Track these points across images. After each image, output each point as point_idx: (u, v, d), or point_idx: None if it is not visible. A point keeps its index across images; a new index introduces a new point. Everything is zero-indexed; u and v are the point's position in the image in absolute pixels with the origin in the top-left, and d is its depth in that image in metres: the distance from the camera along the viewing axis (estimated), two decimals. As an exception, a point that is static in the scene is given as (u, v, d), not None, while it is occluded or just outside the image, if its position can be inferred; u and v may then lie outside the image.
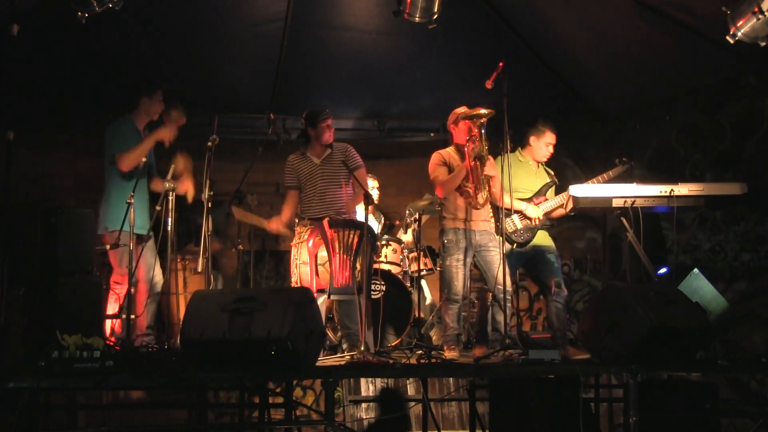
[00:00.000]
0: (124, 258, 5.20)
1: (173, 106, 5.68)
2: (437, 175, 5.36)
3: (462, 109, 5.38)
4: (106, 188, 5.50)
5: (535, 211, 5.64)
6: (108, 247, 5.24)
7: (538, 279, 5.88)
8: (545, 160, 5.88)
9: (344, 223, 5.22)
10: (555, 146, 5.89)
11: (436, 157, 5.45)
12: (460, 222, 5.31)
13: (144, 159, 5.28)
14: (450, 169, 5.36)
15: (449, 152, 5.47)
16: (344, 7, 6.24)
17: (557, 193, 5.84)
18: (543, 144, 5.79)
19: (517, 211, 5.63)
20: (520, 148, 5.88)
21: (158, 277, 5.54)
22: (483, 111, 5.15)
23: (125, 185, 5.28)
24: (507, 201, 5.47)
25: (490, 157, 5.26)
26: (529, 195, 5.76)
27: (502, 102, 5.03)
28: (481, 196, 5.23)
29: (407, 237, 6.88)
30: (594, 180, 5.77)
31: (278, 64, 6.67)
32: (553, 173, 5.92)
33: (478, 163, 5.18)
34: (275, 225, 5.69)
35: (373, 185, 6.92)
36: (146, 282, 5.42)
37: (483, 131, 5.18)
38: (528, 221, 5.65)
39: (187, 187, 5.52)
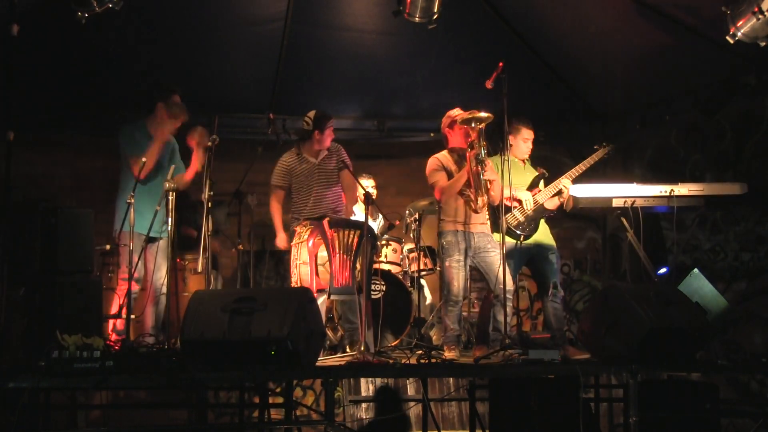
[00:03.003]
0: (132, 257, 5.21)
1: (173, 102, 5.55)
2: (436, 180, 5.35)
3: (456, 112, 5.36)
4: (120, 190, 5.51)
5: (525, 194, 5.67)
6: (108, 247, 5.25)
7: (537, 278, 5.89)
8: (526, 156, 5.87)
9: (344, 223, 5.23)
10: (538, 141, 5.90)
11: (433, 161, 5.42)
12: (460, 224, 5.31)
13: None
14: (448, 173, 5.35)
15: (445, 156, 5.44)
16: (344, 7, 6.24)
17: (549, 183, 5.83)
18: (521, 141, 5.80)
19: (516, 200, 5.63)
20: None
21: (161, 279, 5.54)
22: (482, 115, 5.12)
23: (139, 187, 5.28)
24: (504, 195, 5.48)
25: (489, 161, 5.24)
26: (523, 189, 5.78)
27: (501, 102, 5.03)
28: (482, 200, 5.23)
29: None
30: (576, 169, 5.77)
31: (278, 64, 6.67)
32: (541, 169, 5.91)
33: (479, 167, 5.16)
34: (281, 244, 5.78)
35: (368, 184, 6.92)
36: (153, 283, 5.42)
37: (481, 135, 5.15)
38: (528, 212, 5.66)
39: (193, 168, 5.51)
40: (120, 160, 5.61)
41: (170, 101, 5.56)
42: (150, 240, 5.30)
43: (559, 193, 5.70)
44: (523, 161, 5.88)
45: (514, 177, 5.72)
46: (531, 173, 5.87)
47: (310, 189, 5.65)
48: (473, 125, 5.11)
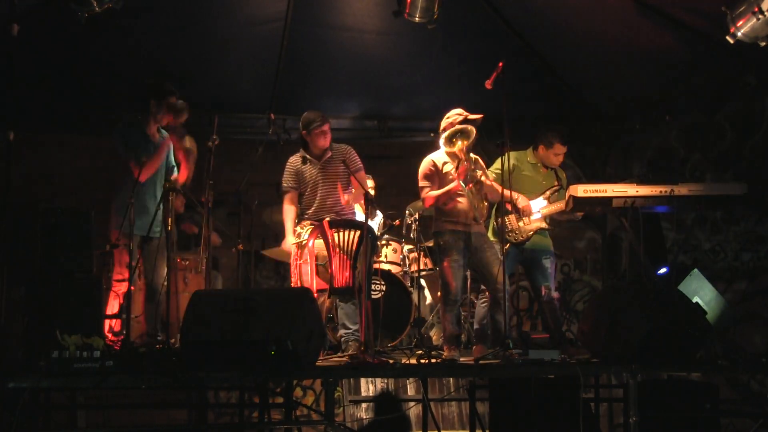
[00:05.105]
0: (128, 257, 5.20)
1: (172, 99, 5.48)
2: (424, 188, 5.31)
3: (455, 112, 5.32)
4: (116, 190, 5.46)
5: (525, 201, 5.63)
6: (108, 247, 5.25)
7: (530, 282, 5.88)
8: (555, 166, 5.85)
9: (344, 223, 5.22)
10: (566, 154, 5.86)
11: (426, 164, 5.36)
12: (460, 225, 5.29)
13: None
14: (440, 179, 5.30)
15: (441, 158, 5.38)
16: (344, 7, 6.24)
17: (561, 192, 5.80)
18: (551, 154, 5.75)
19: (513, 207, 5.61)
20: (532, 149, 5.85)
21: (161, 279, 5.52)
22: (475, 117, 5.06)
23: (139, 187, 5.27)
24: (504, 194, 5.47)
25: (479, 171, 5.22)
26: (532, 197, 5.74)
27: (501, 102, 5.02)
28: (479, 213, 5.22)
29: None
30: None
31: (278, 64, 6.67)
32: (563, 177, 5.87)
33: (471, 186, 5.14)
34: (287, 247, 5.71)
35: (368, 184, 6.90)
36: (148, 282, 5.41)
37: (468, 155, 5.12)
38: (523, 223, 5.63)
39: (184, 173, 5.50)
40: (120, 162, 5.57)
41: (166, 102, 5.48)
42: (145, 239, 5.29)
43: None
44: (546, 168, 5.85)
45: (530, 180, 5.72)
46: (549, 182, 5.80)
47: (315, 191, 5.61)
48: (458, 142, 5.09)
